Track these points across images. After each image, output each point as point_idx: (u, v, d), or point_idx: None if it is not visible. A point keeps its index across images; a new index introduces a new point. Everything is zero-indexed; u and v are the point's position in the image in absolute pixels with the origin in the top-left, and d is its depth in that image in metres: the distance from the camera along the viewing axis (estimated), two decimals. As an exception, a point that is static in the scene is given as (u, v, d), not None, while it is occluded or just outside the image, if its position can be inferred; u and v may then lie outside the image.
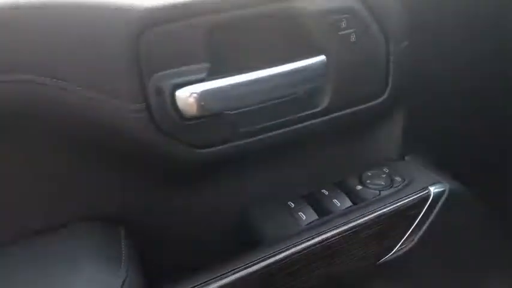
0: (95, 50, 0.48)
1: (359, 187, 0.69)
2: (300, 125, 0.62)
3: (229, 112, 0.55)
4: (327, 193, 0.68)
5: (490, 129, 0.70)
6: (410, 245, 0.68)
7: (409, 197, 0.67)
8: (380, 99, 0.66)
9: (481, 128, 0.71)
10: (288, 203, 0.67)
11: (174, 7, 0.49)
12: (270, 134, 0.60)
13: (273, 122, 0.59)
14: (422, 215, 0.68)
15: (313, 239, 0.61)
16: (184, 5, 0.50)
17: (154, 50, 0.49)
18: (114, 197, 0.58)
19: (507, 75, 0.61)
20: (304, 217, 0.64)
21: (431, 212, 0.69)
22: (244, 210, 0.67)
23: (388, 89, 0.65)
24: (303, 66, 0.58)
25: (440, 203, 0.69)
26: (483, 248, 0.74)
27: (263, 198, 0.67)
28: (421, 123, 0.74)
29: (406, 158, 0.76)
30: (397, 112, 0.72)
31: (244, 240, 0.66)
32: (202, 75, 0.52)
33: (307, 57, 0.58)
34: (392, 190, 0.69)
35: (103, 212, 0.58)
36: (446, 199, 0.69)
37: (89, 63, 0.48)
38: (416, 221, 0.68)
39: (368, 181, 0.70)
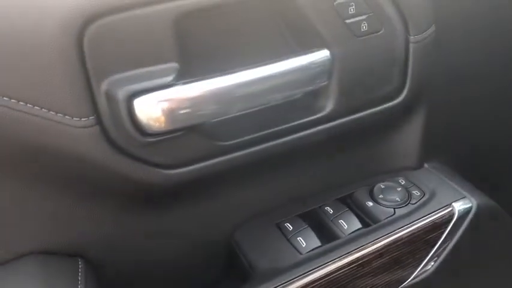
0: (24, 53, 0.37)
1: (370, 203, 0.59)
2: (297, 135, 0.51)
3: (205, 123, 0.44)
4: (331, 211, 0.57)
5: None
6: (428, 273, 0.58)
7: (429, 217, 0.57)
8: (396, 101, 0.55)
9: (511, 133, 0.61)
10: (285, 224, 0.56)
11: None
12: (259, 147, 0.48)
13: (262, 133, 0.48)
14: (445, 236, 0.58)
15: (315, 272, 0.51)
16: None
17: (103, 47, 0.38)
18: (68, 227, 0.48)
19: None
20: (304, 244, 0.54)
21: (455, 234, 0.59)
22: (230, 237, 0.56)
23: (406, 88, 0.54)
24: (301, 64, 0.46)
25: (466, 223, 0.59)
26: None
27: (253, 220, 0.57)
28: (443, 125, 0.63)
29: (425, 165, 0.65)
30: (416, 113, 0.60)
31: (231, 274, 0.55)
32: (169, 78, 0.41)
33: (306, 53, 0.47)
34: (409, 208, 0.58)
35: (57, 244, 0.48)
36: (474, 217, 0.59)
37: (19, 70, 0.37)
38: (437, 245, 0.58)
39: (381, 196, 0.59)
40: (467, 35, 0.60)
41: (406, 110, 0.58)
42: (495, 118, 0.66)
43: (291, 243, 0.54)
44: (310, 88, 0.48)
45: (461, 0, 0.59)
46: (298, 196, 0.60)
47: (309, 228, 0.55)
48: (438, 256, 0.58)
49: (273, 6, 0.46)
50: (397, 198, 0.59)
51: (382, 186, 0.60)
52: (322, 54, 0.47)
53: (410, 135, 0.62)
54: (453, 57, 0.60)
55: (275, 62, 0.45)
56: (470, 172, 0.64)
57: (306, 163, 0.58)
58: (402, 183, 0.62)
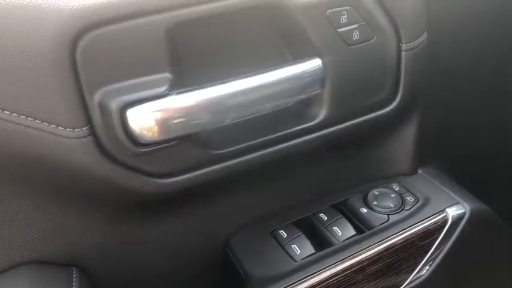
0: (17, 65, 0.37)
1: (364, 210, 0.59)
2: (290, 143, 0.51)
3: (199, 133, 0.44)
4: (325, 218, 0.57)
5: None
6: (422, 278, 0.58)
7: (423, 223, 0.57)
8: (389, 108, 0.55)
9: (506, 138, 0.61)
10: (279, 232, 0.56)
11: (120, 3, 0.38)
12: (252, 155, 0.48)
13: (256, 141, 0.48)
14: (439, 242, 0.58)
15: (309, 279, 0.51)
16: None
17: (96, 59, 0.38)
18: (62, 236, 0.47)
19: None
20: (298, 251, 0.54)
21: (449, 239, 0.59)
22: (225, 245, 0.56)
23: (399, 95, 0.54)
24: (293, 73, 0.46)
25: (459, 228, 0.59)
26: (509, 279, 0.64)
27: (248, 228, 0.57)
28: (436, 131, 0.63)
29: (419, 171, 0.65)
30: (409, 120, 0.60)
31: (226, 282, 0.55)
32: (162, 89, 0.41)
33: (298, 62, 0.47)
34: (403, 214, 0.58)
35: (51, 254, 0.48)
36: (467, 223, 0.59)
37: (12, 82, 0.37)
38: (431, 251, 0.58)
39: (375, 202, 0.59)
40: (459, 42, 0.60)
41: (399, 117, 0.58)
42: (489, 123, 0.66)
43: (286, 251, 0.54)
44: (303, 96, 0.48)
45: (453, 8, 0.59)
46: (293, 203, 0.60)
47: (303, 235, 0.55)
48: (432, 262, 0.58)
49: (265, 16, 0.46)
50: (391, 205, 0.59)
51: (376, 193, 0.61)
52: (314, 63, 0.47)
53: (404, 142, 0.62)
54: (445, 63, 0.60)
55: (267, 71, 0.45)
56: (465, 177, 0.64)
57: (300, 170, 0.58)
58: (396, 189, 0.62)
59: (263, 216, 0.58)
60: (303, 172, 0.58)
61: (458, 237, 0.59)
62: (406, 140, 0.62)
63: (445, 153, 0.66)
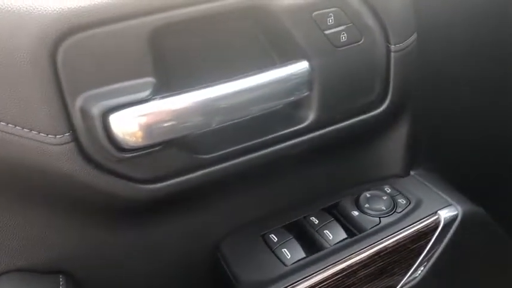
0: None
1: (355, 213, 0.58)
2: (279, 146, 0.50)
3: (185, 137, 0.44)
4: (316, 222, 0.57)
5: (508, 140, 0.59)
6: (416, 281, 0.57)
7: (415, 225, 0.57)
8: (379, 110, 0.54)
9: (497, 139, 0.61)
10: (270, 236, 0.55)
11: (102, 6, 0.37)
12: (241, 159, 0.48)
13: (244, 145, 0.48)
14: (431, 245, 0.57)
15: (299, 283, 0.51)
16: (115, 3, 0.38)
17: (78, 63, 0.38)
18: (48, 243, 0.47)
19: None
20: (288, 255, 0.53)
21: (442, 242, 0.58)
22: (216, 249, 0.55)
23: (389, 97, 0.53)
24: (279, 76, 0.46)
25: (452, 230, 0.58)
26: (502, 280, 0.63)
27: (239, 232, 0.56)
28: (428, 133, 0.63)
29: (412, 172, 0.64)
30: (401, 121, 0.60)
31: (215, 286, 0.55)
32: (146, 93, 0.40)
33: (285, 65, 0.46)
34: (395, 217, 0.58)
35: (37, 261, 0.47)
36: (460, 225, 0.59)
37: None
38: (423, 253, 0.57)
39: (366, 205, 0.59)
40: (450, 42, 0.60)
41: (389, 119, 0.58)
42: (480, 124, 0.65)
43: (276, 255, 0.54)
44: (291, 99, 0.48)
45: (443, 7, 0.58)
46: (284, 207, 0.59)
47: (293, 239, 0.55)
48: (425, 264, 0.58)
49: (251, 18, 0.45)
50: (383, 207, 0.58)
51: (368, 195, 0.60)
52: (301, 66, 0.46)
53: (396, 143, 0.62)
54: (437, 64, 0.59)
55: (254, 74, 0.45)
56: (457, 179, 0.63)
57: (291, 173, 0.58)
58: (388, 191, 0.61)
59: (254, 220, 0.57)
60: (293, 175, 0.58)
61: (450, 239, 0.58)
62: (397, 141, 0.61)
63: (437, 155, 0.65)
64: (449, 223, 0.58)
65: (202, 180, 0.47)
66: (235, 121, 0.47)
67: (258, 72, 0.45)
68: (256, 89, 0.45)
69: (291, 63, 0.46)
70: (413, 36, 0.53)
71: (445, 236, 0.58)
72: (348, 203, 0.60)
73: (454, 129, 0.64)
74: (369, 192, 0.60)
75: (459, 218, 0.58)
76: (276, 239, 0.55)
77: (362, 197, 0.60)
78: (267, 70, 0.46)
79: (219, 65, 0.45)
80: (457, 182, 0.62)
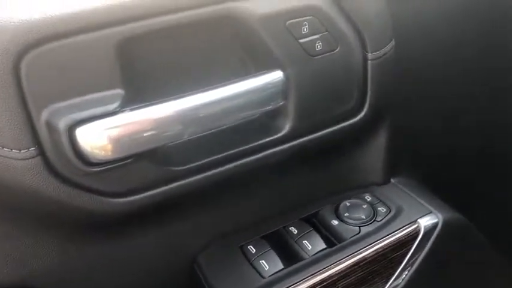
0: None
1: (335, 222, 0.57)
2: (256, 156, 0.49)
3: (157, 149, 0.43)
4: (295, 232, 0.56)
5: (489, 146, 0.59)
6: (396, 290, 0.57)
7: (395, 234, 0.56)
8: (357, 118, 0.54)
9: (477, 146, 0.61)
10: (248, 247, 0.55)
11: (67, 18, 0.36)
12: (216, 170, 0.47)
13: (219, 156, 0.47)
14: (411, 253, 0.57)
15: None
16: (81, 14, 0.37)
17: (42, 76, 0.37)
18: (15, 259, 0.45)
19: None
20: (266, 267, 0.52)
21: (422, 250, 0.58)
22: (191, 260, 0.54)
23: (366, 105, 0.53)
24: (253, 86, 0.45)
25: (432, 238, 0.58)
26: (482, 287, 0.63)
27: (217, 243, 0.55)
28: (408, 140, 0.62)
29: (392, 180, 0.64)
30: (380, 129, 0.59)
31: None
32: (114, 105, 0.39)
33: (258, 74, 0.46)
34: (375, 225, 0.57)
35: (4, 276, 0.46)
36: (440, 233, 0.58)
37: None
38: (404, 262, 0.57)
39: (346, 214, 0.58)
40: (428, 49, 0.59)
41: (368, 127, 0.57)
42: (461, 130, 0.65)
43: (254, 267, 0.53)
44: (265, 109, 0.47)
45: (420, 14, 0.58)
46: (263, 216, 0.58)
47: (271, 250, 0.54)
48: (406, 273, 0.57)
49: (225, 28, 0.45)
50: (363, 216, 0.58)
51: (348, 204, 0.59)
52: (275, 75, 0.46)
53: (375, 151, 0.61)
54: (416, 71, 0.59)
55: (226, 84, 0.44)
56: (438, 186, 0.63)
57: (269, 183, 0.57)
58: (368, 199, 0.61)
59: (232, 231, 0.56)
60: (272, 185, 0.57)
61: (431, 247, 0.58)
62: (377, 149, 0.61)
63: (417, 162, 0.65)
64: (429, 231, 0.58)
65: (177, 192, 0.46)
66: (210, 132, 0.46)
67: (231, 82, 0.44)
68: (229, 99, 0.44)
69: (264, 73, 0.46)
70: (391, 44, 0.52)
71: (425, 244, 0.57)
72: (327, 212, 0.59)
73: (434, 136, 0.64)
74: (349, 200, 0.60)
75: (439, 226, 0.58)
76: (254, 250, 0.54)
77: (342, 205, 0.59)
78: (240, 80, 0.45)
79: (191, 75, 0.44)
80: (438, 190, 0.62)
